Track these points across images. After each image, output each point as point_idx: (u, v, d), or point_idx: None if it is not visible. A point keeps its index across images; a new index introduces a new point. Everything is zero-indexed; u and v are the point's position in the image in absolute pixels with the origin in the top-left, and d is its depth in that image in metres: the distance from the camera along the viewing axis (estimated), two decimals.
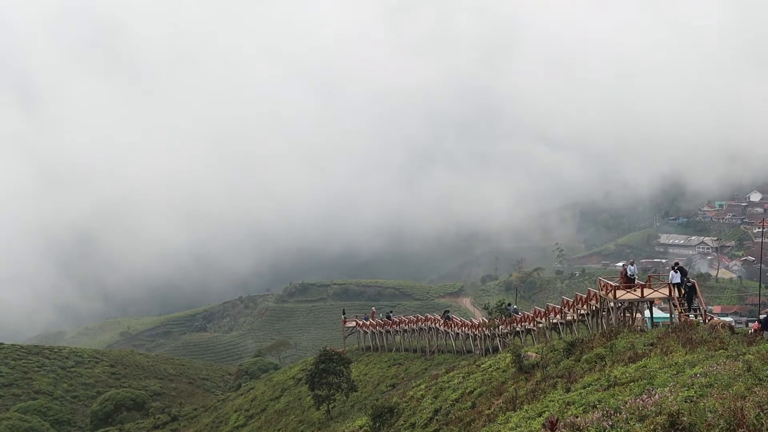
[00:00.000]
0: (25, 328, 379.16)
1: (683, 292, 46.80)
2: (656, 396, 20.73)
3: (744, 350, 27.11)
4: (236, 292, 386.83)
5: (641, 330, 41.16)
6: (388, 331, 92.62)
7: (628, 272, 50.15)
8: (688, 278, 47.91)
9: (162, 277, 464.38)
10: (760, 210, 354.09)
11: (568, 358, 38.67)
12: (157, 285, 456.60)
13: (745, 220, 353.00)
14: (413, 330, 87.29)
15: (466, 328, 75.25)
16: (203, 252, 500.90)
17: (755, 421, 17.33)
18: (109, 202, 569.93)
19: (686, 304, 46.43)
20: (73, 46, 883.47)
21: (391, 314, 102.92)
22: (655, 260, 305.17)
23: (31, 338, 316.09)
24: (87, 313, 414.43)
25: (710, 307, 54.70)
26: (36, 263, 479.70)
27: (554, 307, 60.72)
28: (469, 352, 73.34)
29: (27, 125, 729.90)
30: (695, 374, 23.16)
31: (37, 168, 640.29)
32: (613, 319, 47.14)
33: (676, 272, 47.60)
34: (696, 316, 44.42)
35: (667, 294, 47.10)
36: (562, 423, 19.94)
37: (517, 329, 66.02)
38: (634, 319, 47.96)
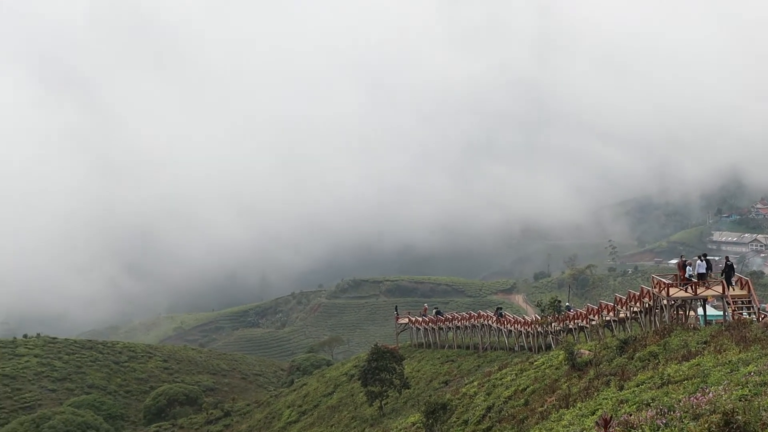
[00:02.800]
0: (86, 321, 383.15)
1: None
2: (710, 394, 20.66)
3: None
4: (295, 287, 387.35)
5: (694, 328, 40.94)
6: (440, 328, 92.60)
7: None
8: (727, 258, 48.75)
9: (222, 271, 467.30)
10: None
11: (621, 356, 38.58)
12: (217, 279, 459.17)
13: None
14: (466, 327, 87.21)
15: (519, 325, 75.14)
16: (262, 247, 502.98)
17: None
18: (170, 196, 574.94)
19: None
20: (133, 44, 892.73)
21: (438, 310, 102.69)
22: (708, 258, 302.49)
23: (84, 333, 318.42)
24: (146, 306, 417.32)
25: (764, 305, 54.09)
26: (98, 257, 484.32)
27: (607, 305, 60.51)
28: (522, 349, 73.21)
29: (89, 122, 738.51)
30: (749, 372, 23.07)
31: (99, 163, 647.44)
32: (666, 317, 46.98)
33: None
34: (750, 314, 44.23)
35: (721, 292, 46.93)
36: (615, 421, 19.94)
37: (570, 326, 65.85)
38: (687, 317, 47.76)
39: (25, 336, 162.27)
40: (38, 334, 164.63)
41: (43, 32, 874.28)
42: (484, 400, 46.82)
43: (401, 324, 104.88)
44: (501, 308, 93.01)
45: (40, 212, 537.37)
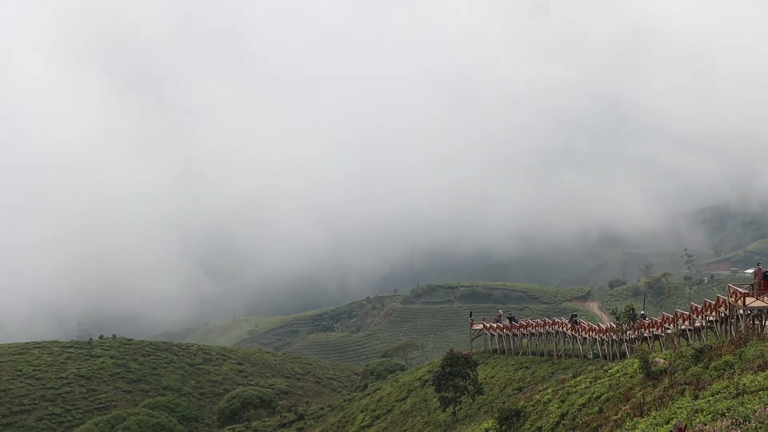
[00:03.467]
0: (164, 322, 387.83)
1: None
2: None
3: None
4: (372, 291, 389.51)
5: None
6: (515, 334, 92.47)
7: None
8: None
9: (299, 275, 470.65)
10: None
11: (696, 365, 38.41)
12: (294, 283, 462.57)
13: None
14: (540, 333, 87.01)
15: (594, 333, 74.85)
16: (340, 251, 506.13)
17: None
18: (247, 199, 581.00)
19: None
20: (213, 48, 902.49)
21: (512, 316, 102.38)
22: None
23: (159, 335, 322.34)
24: (223, 308, 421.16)
25: None
26: (176, 259, 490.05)
27: (682, 314, 60.16)
28: (597, 356, 72.94)
29: (167, 126, 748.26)
30: None
31: (177, 166, 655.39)
32: (742, 327, 46.66)
33: None
34: None
35: None
36: (690, 430, 19.98)
37: (645, 335, 65.50)
38: (763, 327, 47.39)
39: (100, 337, 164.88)
40: (114, 336, 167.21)
41: (123, 39, 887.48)
42: (558, 408, 46.80)
43: (475, 330, 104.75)
44: (576, 315, 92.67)
45: (120, 214, 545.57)
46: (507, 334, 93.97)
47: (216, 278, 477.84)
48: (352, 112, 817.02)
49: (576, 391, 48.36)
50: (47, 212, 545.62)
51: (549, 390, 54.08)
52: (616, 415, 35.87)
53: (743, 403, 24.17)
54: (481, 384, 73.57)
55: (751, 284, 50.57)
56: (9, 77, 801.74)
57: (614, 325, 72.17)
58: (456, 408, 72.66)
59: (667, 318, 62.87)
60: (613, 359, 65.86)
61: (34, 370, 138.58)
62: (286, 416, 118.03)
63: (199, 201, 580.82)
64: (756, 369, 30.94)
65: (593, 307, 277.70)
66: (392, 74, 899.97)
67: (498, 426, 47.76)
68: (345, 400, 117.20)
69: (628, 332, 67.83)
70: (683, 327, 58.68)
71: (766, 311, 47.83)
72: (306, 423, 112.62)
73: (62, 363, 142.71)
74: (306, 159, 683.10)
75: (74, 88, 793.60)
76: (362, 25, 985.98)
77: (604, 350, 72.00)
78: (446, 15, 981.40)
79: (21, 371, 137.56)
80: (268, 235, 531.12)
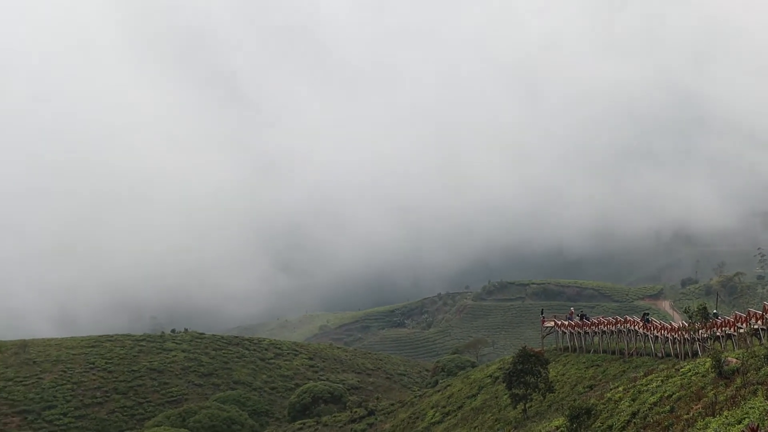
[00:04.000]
0: (239, 316, 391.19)
1: None
2: None
3: None
4: (446, 287, 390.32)
5: None
6: (586, 332, 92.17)
7: None
8: None
9: (372, 270, 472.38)
10: None
11: None
12: (368, 278, 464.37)
13: None
14: (612, 332, 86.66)
15: (666, 332, 74.44)
16: (414, 247, 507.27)
17: None
18: (322, 195, 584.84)
19: None
20: (288, 45, 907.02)
21: (583, 314, 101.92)
22: None
23: (231, 329, 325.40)
24: (297, 303, 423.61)
25: None
26: (252, 253, 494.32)
27: (755, 313, 59.70)
28: (668, 355, 72.55)
29: (244, 122, 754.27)
30: None
31: (254, 162, 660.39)
32: None
33: None
34: None
35: None
36: (762, 430, 20.04)
37: (718, 334, 65.07)
38: None
39: (172, 331, 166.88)
40: (186, 329, 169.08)
41: (202, 37, 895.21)
42: (629, 406, 46.74)
43: (547, 327, 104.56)
44: (648, 314, 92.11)
45: (197, 209, 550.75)
46: (578, 332, 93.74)
47: (290, 273, 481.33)
48: (428, 108, 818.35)
49: (647, 390, 48.26)
50: (124, 209, 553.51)
51: (620, 388, 54.01)
52: (687, 414, 35.86)
53: None
54: (551, 381, 73.50)
55: None
56: (87, 75, 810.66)
57: (686, 324, 71.77)
58: (526, 405, 72.69)
59: (740, 317, 62.40)
60: (684, 358, 65.51)
61: (106, 363, 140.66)
62: (356, 411, 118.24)
63: (274, 196, 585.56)
64: None
65: (665, 305, 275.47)
66: (468, 69, 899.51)
67: (569, 424, 47.79)
68: (415, 396, 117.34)
69: (700, 331, 67.43)
70: (756, 326, 58.21)
71: None
72: (376, 419, 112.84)
73: (134, 356, 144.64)
74: (382, 154, 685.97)
75: (151, 85, 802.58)
76: (439, 19, 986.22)
77: (676, 349, 71.59)
78: (521, 10, 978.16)
79: (94, 364, 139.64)
80: (343, 231, 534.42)
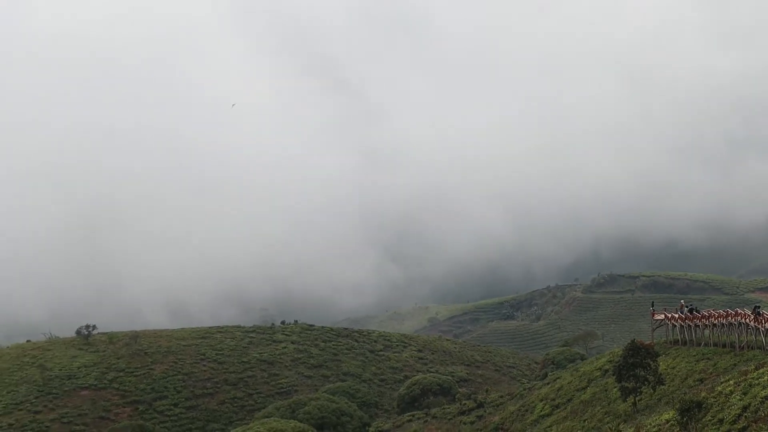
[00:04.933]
0: (352, 307, 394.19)
1: None
2: None
3: None
4: (557, 279, 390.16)
5: None
6: (696, 325, 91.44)
7: None
8: None
9: (484, 262, 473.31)
10: None
11: None
12: (479, 270, 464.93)
13: None
14: (722, 325, 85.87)
15: None
16: (525, 240, 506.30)
17: None
18: (434, 187, 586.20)
19: None
20: (395, 37, 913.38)
21: (693, 307, 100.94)
22: None
23: (340, 321, 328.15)
24: (408, 294, 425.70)
25: None
26: (364, 245, 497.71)
27: None
28: None
29: (353, 114, 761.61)
30: None
31: (364, 153, 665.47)
32: None
33: None
34: None
35: None
36: None
37: None
38: None
39: (282, 323, 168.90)
40: (295, 321, 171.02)
41: (310, 29, 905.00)
42: (740, 400, 46.58)
43: (657, 320, 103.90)
44: (759, 307, 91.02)
45: (309, 201, 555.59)
46: (689, 325, 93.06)
47: (402, 265, 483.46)
48: (538, 101, 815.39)
49: (759, 383, 48.04)
50: (233, 199, 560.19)
51: (731, 382, 53.73)
52: None
53: None
54: (661, 375, 73.20)
55: None
56: (194, 67, 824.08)
57: None
58: (636, 398, 72.53)
59: None
60: None
61: (216, 354, 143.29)
62: (465, 404, 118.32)
63: (386, 189, 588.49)
64: None
65: None
66: (578, 63, 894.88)
67: (679, 417, 47.80)
68: (524, 389, 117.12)
69: None
70: None
71: None
72: (485, 411, 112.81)
73: (244, 347, 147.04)
74: (494, 147, 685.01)
75: (257, 76, 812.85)
76: (549, 13, 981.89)
77: None
78: (629, 3, 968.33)
79: (204, 355, 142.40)
80: (455, 223, 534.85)
